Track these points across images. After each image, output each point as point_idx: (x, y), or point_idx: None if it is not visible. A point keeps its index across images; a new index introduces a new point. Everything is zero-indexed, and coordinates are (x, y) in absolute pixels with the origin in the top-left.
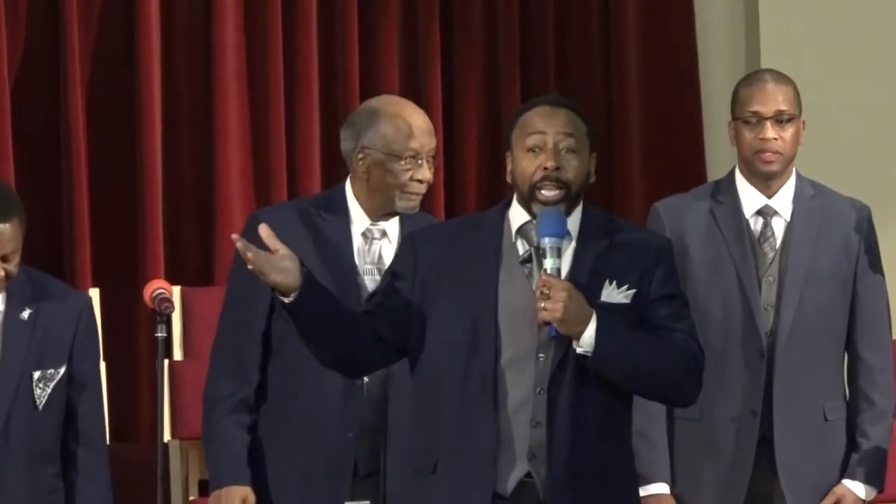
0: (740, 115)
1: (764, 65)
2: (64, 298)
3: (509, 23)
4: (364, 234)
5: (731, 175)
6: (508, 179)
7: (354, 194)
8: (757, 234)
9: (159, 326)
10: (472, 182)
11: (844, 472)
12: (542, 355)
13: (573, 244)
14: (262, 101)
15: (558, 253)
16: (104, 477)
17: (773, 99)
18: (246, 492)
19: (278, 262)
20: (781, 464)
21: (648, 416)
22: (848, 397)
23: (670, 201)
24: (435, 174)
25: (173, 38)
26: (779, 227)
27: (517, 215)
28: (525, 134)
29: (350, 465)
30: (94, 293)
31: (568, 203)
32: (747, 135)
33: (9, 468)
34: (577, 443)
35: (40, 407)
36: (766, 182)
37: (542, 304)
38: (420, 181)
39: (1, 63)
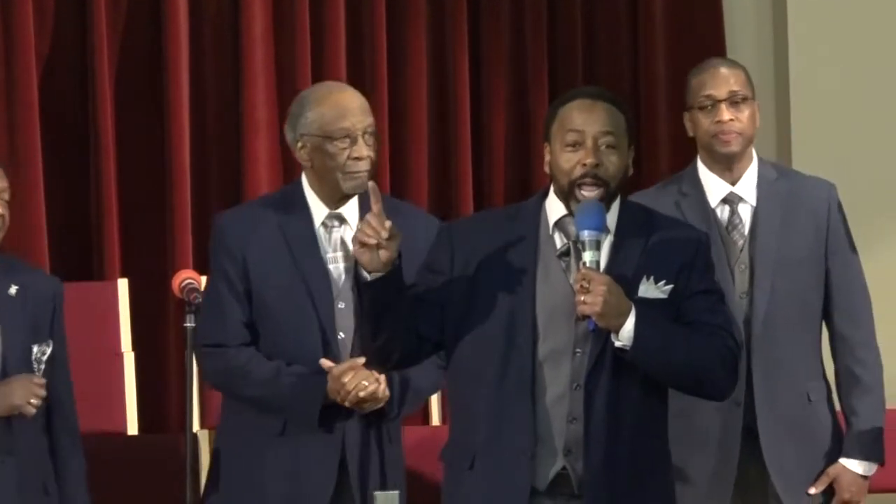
0: (695, 103)
1: (793, 56)
2: (42, 279)
3: (537, 16)
4: (324, 224)
5: (694, 166)
6: (546, 170)
7: (309, 185)
8: (725, 223)
9: (188, 316)
10: (499, 176)
11: (833, 452)
12: (578, 350)
13: (611, 238)
14: (289, 93)
15: (597, 246)
16: (79, 457)
17: (725, 82)
18: None
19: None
20: (767, 452)
21: None
22: (835, 375)
23: (637, 197)
24: (463, 168)
25: (201, 30)
26: (745, 213)
27: (554, 208)
28: (564, 129)
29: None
30: (123, 283)
31: (608, 199)
32: (704, 120)
33: (24, 439)
34: (613, 438)
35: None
36: (728, 167)
37: (582, 298)
38: (358, 159)
39: (29, 55)
